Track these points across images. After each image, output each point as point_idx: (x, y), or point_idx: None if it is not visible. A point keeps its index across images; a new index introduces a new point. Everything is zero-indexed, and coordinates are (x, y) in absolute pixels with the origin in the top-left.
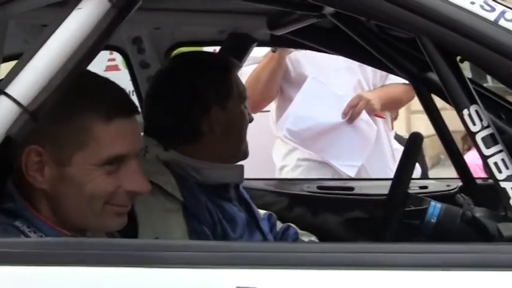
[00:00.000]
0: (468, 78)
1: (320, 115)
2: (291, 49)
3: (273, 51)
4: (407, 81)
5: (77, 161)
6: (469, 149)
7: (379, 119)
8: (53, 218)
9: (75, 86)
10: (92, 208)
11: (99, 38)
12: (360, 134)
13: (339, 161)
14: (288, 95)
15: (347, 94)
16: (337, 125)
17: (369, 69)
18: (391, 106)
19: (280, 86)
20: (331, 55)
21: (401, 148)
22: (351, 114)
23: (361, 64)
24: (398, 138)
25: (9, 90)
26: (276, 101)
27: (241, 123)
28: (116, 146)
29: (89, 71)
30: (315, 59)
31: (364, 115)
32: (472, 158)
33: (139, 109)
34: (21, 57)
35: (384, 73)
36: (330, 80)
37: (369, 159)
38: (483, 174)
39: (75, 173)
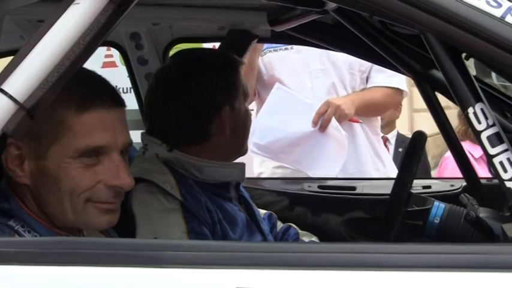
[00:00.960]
0: (473, 75)
1: (288, 126)
2: (264, 50)
3: None
4: (392, 85)
5: (53, 154)
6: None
7: (355, 124)
8: (42, 215)
9: None
10: (73, 204)
11: (97, 34)
12: (333, 142)
13: (315, 171)
14: (264, 98)
15: (320, 98)
16: (309, 134)
17: (346, 72)
18: (370, 110)
19: (256, 89)
20: (305, 57)
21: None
22: (321, 123)
23: (337, 66)
24: (400, 137)
25: (5, 86)
26: (254, 104)
27: (246, 121)
28: (92, 137)
29: None
30: (287, 60)
31: (334, 122)
32: None
33: (138, 107)
34: (18, 53)
35: (365, 76)
36: (303, 82)
37: (345, 165)
38: None
39: (51, 167)
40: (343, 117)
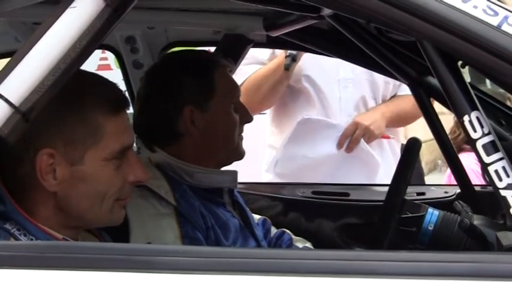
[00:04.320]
0: (468, 83)
1: (313, 151)
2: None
3: (286, 69)
4: None
5: (89, 158)
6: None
7: (384, 141)
8: (54, 221)
9: (78, 85)
10: (105, 205)
11: (93, 38)
12: (360, 165)
13: None
14: (284, 100)
15: (347, 111)
16: (334, 156)
17: (381, 81)
18: (400, 122)
19: None
20: (336, 62)
21: None
22: (348, 144)
23: (372, 75)
24: None
25: (1, 89)
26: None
27: (224, 124)
28: (123, 138)
29: (84, 70)
30: (319, 62)
31: (363, 145)
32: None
33: (133, 110)
34: (13, 56)
35: (398, 82)
36: (331, 89)
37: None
38: (479, 180)
39: (87, 171)
40: (372, 138)
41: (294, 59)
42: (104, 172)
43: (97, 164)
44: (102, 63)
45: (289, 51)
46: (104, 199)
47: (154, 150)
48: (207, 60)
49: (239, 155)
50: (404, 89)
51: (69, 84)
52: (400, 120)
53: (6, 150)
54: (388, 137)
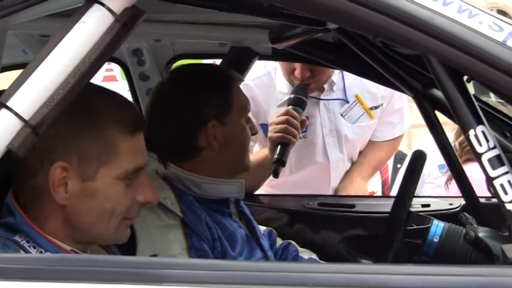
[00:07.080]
0: (472, 95)
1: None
2: None
3: (275, 176)
4: (396, 135)
5: (102, 175)
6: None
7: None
8: (62, 233)
9: (99, 103)
10: (111, 223)
11: (102, 53)
12: None
13: None
14: None
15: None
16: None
17: (357, 144)
18: (377, 170)
19: None
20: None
21: None
22: None
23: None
24: (399, 153)
25: (11, 103)
26: None
27: (241, 137)
28: (137, 159)
29: (106, 88)
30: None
31: None
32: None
33: None
34: (23, 70)
35: (369, 135)
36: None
37: None
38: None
39: (98, 188)
40: None
41: (282, 164)
42: (114, 190)
43: (108, 181)
44: (107, 75)
45: (276, 153)
46: (111, 217)
47: (167, 166)
48: (226, 75)
49: (248, 167)
50: (377, 137)
51: (89, 101)
52: (378, 168)
53: (21, 162)
54: (373, 194)
